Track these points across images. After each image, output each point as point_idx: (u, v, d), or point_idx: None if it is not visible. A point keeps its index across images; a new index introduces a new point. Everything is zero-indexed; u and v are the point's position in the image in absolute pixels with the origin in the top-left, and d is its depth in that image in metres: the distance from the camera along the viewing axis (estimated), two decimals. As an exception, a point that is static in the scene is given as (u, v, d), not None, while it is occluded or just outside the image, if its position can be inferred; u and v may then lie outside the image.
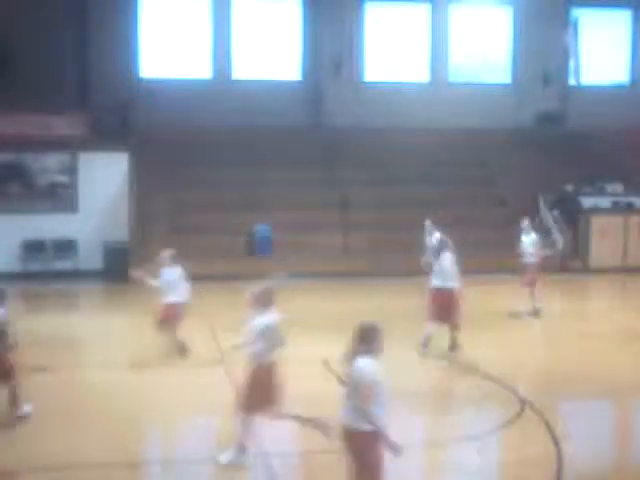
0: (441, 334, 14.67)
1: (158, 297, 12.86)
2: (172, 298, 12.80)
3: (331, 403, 10.79)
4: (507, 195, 24.14)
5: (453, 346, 13.27)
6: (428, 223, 16.42)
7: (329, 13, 25.99)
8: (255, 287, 9.27)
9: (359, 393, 6.70)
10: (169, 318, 12.81)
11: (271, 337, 8.86)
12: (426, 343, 13.12)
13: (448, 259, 13.21)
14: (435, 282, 13.24)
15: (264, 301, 9.08)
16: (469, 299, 16.14)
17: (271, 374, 8.73)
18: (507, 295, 18.63)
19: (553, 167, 24.75)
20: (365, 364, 6.74)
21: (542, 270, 16.61)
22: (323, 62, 26.15)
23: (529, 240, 16.42)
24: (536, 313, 16.08)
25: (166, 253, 13.06)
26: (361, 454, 6.83)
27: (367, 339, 6.83)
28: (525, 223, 16.56)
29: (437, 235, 15.86)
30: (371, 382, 6.73)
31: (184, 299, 12.94)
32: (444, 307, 13.14)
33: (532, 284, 16.21)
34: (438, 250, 13.67)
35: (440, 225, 16.33)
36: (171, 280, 12.82)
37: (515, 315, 16.05)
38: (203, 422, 10.28)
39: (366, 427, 6.77)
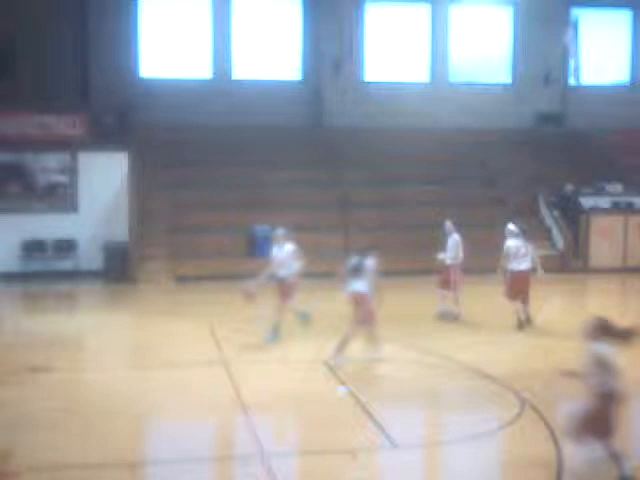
0: (440, 333, 14.69)
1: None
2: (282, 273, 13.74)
3: (331, 403, 10.82)
4: (507, 195, 24.15)
5: (529, 320, 15.01)
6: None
7: (329, 13, 25.99)
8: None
9: None
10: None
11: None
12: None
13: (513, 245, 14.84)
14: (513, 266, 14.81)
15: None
16: (469, 299, 16.19)
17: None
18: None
19: (553, 167, 24.76)
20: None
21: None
22: (323, 62, 26.15)
23: (452, 242, 15.77)
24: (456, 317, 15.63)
25: (280, 231, 14.16)
26: None
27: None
28: (448, 224, 15.94)
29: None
30: None
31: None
32: (523, 287, 14.87)
33: (450, 285, 15.66)
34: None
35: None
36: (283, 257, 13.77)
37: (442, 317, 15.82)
38: (203, 422, 10.27)
39: None
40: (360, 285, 12.20)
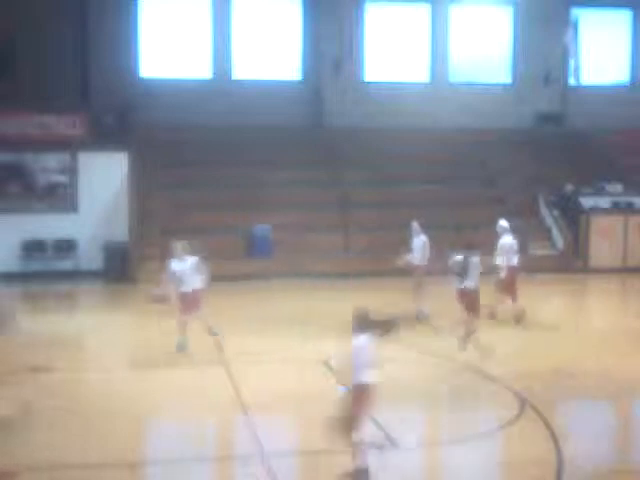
0: (440, 333, 14.69)
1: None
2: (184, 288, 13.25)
3: (331, 403, 10.82)
4: (507, 195, 24.14)
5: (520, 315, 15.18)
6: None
7: (329, 13, 25.99)
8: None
9: None
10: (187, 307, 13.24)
11: None
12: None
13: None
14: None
15: None
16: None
17: None
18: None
19: (553, 167, 24.75)
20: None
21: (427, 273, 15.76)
22: (323, 62, 26.14)
23: (420, 243, 15.75)
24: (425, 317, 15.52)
25: (178, 244, 13.56)
26: None
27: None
28: (415, 225, 15.94)
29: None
30: None
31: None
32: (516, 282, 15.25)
33: (419, 288, 15.57)
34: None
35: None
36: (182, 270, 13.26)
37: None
38: (203, 422, 10.27)
39: None
40: (469, 282, 12.87)
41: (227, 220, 21.82)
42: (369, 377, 7.90)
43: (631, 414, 11.34)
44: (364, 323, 8.10)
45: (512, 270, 15.37)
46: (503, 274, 15.33)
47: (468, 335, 12.72)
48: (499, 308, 15.38)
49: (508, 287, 15.36)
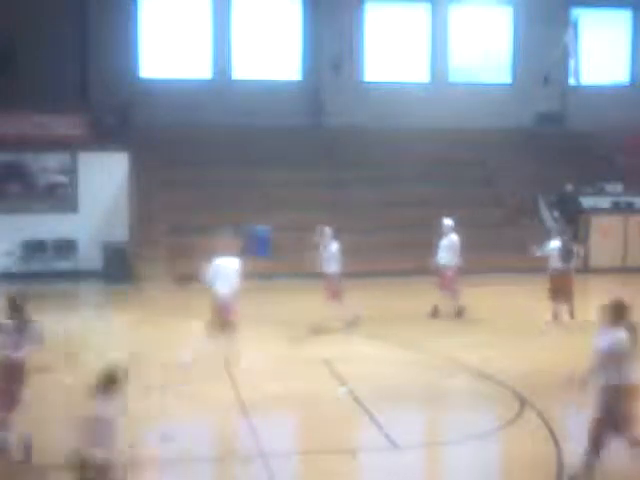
0: (440, 333, 14.69)
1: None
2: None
3: (331, 403, 10.81)
4: (507, 195, 24.14)
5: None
6: (448, 222, 16.03)
7: (329, 13, 25.99)
8: None
9: None
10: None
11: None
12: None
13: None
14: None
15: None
16: (468, 299, 16.18)
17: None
18: (506, 295, 18.67)
19: (553, 167, 24.74)
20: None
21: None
22: (323, 62, 26.14)
23: (334, 247, 15.59)
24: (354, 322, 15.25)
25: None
26: None
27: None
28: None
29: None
30: None
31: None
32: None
33: (336, 296, 15.22)
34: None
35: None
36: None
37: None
38: (203, 422, 10.28)
39: None
40: (572, 265, 15.41)
41: (227, 220, 21.78)
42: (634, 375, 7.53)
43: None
44: (620, 315, 7.67)
45: (456, 269, 15.73)
46: (450, 272, 15.64)
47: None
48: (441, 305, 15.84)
49: (450, 285, 15.68)
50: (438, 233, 16.05)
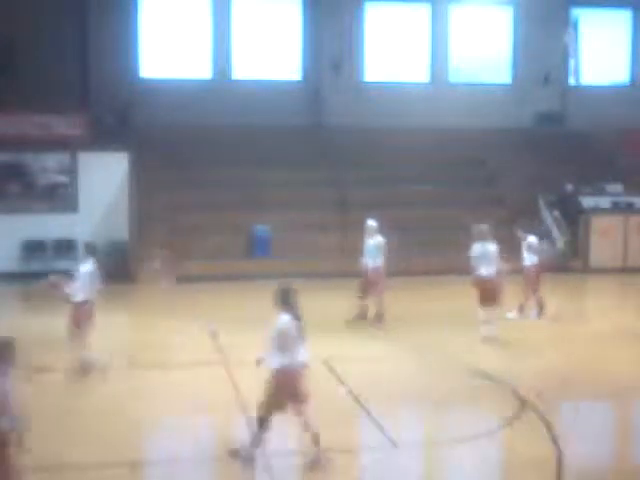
0: (440, 333, 14.70)
1: None
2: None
3: (331, 403, 10.81)
4: (507, 195, 24.14)
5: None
6: (483, 228, 15.84)
7: (329, 13, 25.99)
8: None
9: None
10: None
11: None
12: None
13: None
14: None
15: None
16: (468, 299, 16.17)
17: None
18: (506, 294, 18.64)
19: (553, 167, 24.74)
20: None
21: None
22: (323, 62, 26.14)
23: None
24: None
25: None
26: None
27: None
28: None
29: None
30: None
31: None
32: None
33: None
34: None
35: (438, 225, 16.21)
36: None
37: None
38: (203, 422, 10.28)
39: None
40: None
41: (227, 220, 21.81)
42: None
43: (631, 414, 11.34)
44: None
45: (379, 269, 15.74)
46: (372, 274, 15.69)
47: None
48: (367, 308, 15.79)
49: (372, 286, 15.69)
50: (363, 235, 15.99)
